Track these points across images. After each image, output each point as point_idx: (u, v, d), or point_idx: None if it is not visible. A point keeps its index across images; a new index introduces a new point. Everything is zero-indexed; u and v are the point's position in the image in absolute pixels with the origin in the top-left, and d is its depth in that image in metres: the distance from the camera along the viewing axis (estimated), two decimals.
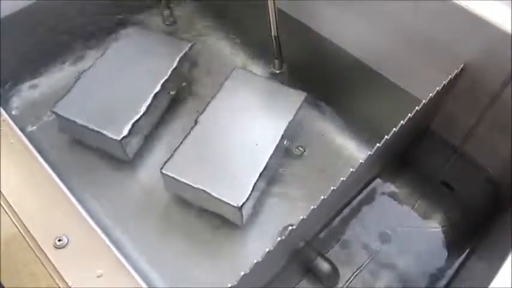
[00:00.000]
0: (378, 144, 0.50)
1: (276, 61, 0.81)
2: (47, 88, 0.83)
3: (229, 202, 0.63)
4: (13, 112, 0.79)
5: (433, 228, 0.73)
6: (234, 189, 0.64)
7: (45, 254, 0.43)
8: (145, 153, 0.77)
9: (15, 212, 0.45)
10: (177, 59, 0.78)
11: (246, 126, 0.71)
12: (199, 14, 0.96)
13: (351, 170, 0.49)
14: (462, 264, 0.68)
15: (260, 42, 0.84)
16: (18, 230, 0.44)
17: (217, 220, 0.69)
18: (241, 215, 0.65)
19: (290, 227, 0.45)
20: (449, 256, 0.70)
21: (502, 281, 0.41)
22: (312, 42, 0.78)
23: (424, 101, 0.54)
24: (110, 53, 0.78)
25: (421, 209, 0.74)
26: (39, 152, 0.51)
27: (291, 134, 0.73)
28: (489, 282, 0.41)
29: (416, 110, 0.53)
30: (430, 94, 0.55)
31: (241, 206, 0.63)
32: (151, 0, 0.92)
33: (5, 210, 0.46)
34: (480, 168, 0.68)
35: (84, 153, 0.76)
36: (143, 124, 0.73)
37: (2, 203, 0.46)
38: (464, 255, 0.69)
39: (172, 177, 0.66)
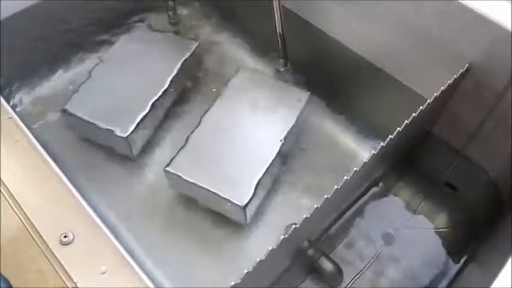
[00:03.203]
0: (382, 144, 0.50)
1: (281, 60, 0.81)
2: (53, 86, 0.84)
3: (233, 201, 0.64)
4: (19, 110, 0.80)
5: (437, 229, 0.73)
6: (238, 188, 0.65)
7: (51, 250, 0.43)
8: (151, 151, 0.77)
9: (21, 209, 0.46)
10: (183, 58, 0.78)
11: (251, 125, 0.71)
12: (204, 13, 0.96)
13: (355, 169, 0.49)
14: (464, 265, 0.68)
15: (265, 40, 0.84)
16: (25, 226, 0.45)
17: (222, 218, 0.70)
18: (245, 214, 0.65)
19: (293, 226, 0.45)
20: (452, 257, 0.70)
21: (503, 282, 0.41)
22: (317, 40, 0.78)
23: (428, 100, 0.54)
24: (117, 52, 0.79)
25: (425, 210, 0.74)
26: (45, 149, 0.51)
27: (295, 133, 0.73)
28: (490, 283, 0.41)
29: (421, 110, 0.53)
30: (435, 94, 0.55)
31: (245, 205, 0.63)
32: (157, 1, 0.92)
33: (12, 207, 0.46)
34: (482, 170, 0.68)
35: (90, 151, 0.77)
36: (149, 122, 0.74)
37: (8, 199, 0.46)
38: (466, 256, 0.69)
39: (177, 176, 0.66)
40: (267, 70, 0.87)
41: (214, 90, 0.82)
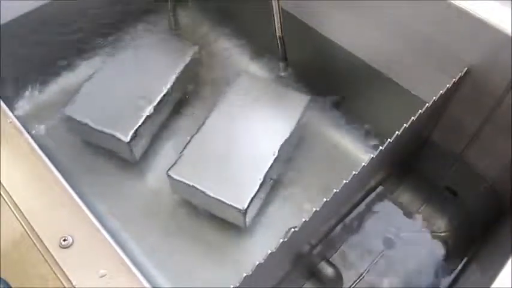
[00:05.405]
0: (380, 147, 0.50)
1: (281, 63, 0.82)
2: (54, 90, 0.84)
3: (233, 205, 0.64)
4: (20, 114, 0.81)
5: (436, 233, 0.72)
6: (239, 192, 0.65)
7: (51, 254, 0.43)
8: (152, 155, 0.78)
9: (21, 212, 0.46)
10: (184, 62, 0.78)
11: (251, 129, 0.71)
12: (205, 17, 0.97)
13: (354, 172, 0.49)
14: (463, 269, 0.68)
15: (266, 44, 0.84)
16: (25, 229, 0.45)
17: (223, 222, 0.70)
18: (245, 218, 0.65)
19: (293, 229, 0.45)
20: (451, 261, 0.70)
21: (502, 283, 0.41)
22: (317, 44, 0.78)
23: (427, 104, 0.54)
24: (117, 56, 0.79)
25: (425, 214, 0.74)
26: (46, 153, 0.51)
27: (295, 136, 0.73)
28: (489, 286, 0.41)
29: (420, 113, 0.53)
30: (434, 97, 0.55)
31: (246, 209, 0.64)
32: (157, 5, 0.93)
33: (12, 210, 0.46)
34: (482, 175, 0.68)
35: (91, 155, 0.77)
36: (150, 126, 0.74)
37: (8, 202, 0.47)
38: (465, 260, 0.69)
39: (179, 180, 0.66)
40: (267, 74, 0.87)
41: (215, 93, 0.83)
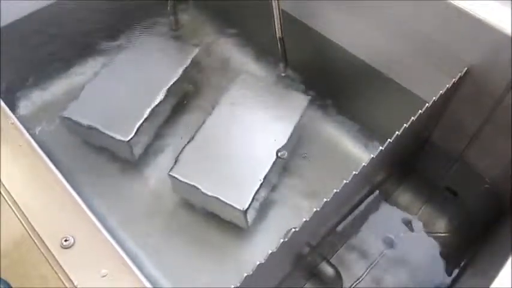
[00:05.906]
0: (381, 148, 0.51)
1: (281, 64, 0.82)
2: (55, 91, 0.84)
3: (234, 205, 0.64)
4: (21, 115, 0.81)
5: (436, 233, 0.73)
6: (239, 192, 0.65)
7: (52, 254, 0.43)
8: (152, 155, 0.78)
9: (22, 213, 0.46)
10: (184, 63, 0.79)
11: (252, 129, 0.72)
12: (205, 18, 0.97)
13: (354, 172, 0.49)
14: (464, 270, 0.68)
15: (266, 45, 0.85)
16: (26, 230, 0.45)
17: (223, 222, 0.70)
18: (246, 218, 0.65)
19: (293, 229, 0.45)
20: (451, 261, 0.70)
21: (502, 283, 0.41)
22: (317, 44, 0.78)
23: (427, 104, 0.54)
24: (118, 58, 0.79)
25: (425, 215, 0.74)
26: (47, 154, 0.51)
27: (295, 137, 0.73)
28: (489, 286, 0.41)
29: (420, 113, 0.53)
30: (434, 97, 0.55)
31: (246, 209, 0.64)
32: (157, 5, 0.93)
33: (13, 211, 0.46)
34: (482, 175, 0.68)
35: (92, 155, 0.77)
36: (150, 126, 0.74)
37: (10, 203, 0.47)
38: (465, 261, 0.69)
39: (179, 180, 0.66)
40: (267, 75, 0.87)
41: (215, 94, 0.83)
